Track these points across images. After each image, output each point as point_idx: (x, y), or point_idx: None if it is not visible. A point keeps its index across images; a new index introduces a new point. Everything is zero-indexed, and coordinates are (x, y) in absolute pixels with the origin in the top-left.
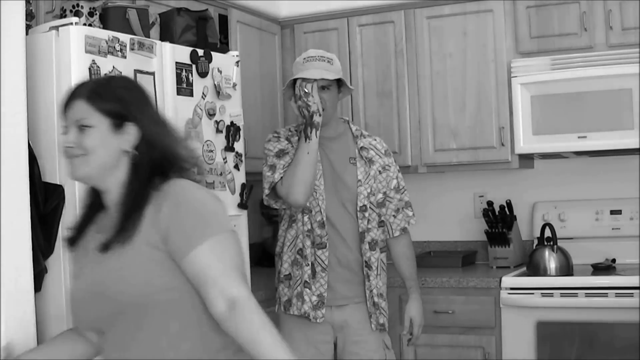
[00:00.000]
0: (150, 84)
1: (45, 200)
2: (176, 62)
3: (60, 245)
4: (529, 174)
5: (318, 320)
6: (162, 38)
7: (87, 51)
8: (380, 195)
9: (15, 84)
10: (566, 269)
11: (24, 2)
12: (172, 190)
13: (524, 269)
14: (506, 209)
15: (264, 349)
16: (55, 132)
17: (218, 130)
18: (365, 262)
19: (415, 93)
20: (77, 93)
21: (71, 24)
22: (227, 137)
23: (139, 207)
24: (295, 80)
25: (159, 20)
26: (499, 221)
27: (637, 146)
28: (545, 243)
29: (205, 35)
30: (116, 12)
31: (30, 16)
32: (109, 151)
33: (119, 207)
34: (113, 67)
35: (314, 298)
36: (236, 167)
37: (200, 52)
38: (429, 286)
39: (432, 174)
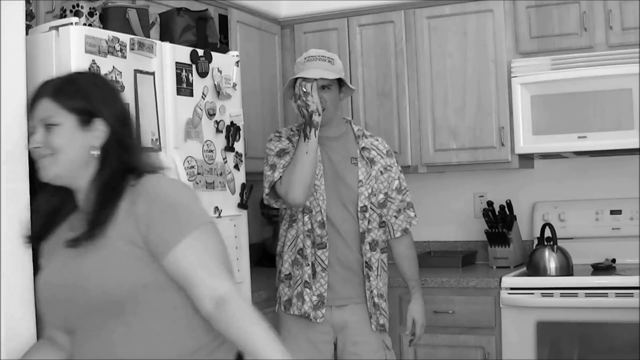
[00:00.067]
0: (150, 84)
1: None
2: (176, 62)
3: None
4: (529, 174)
5: (318, 320)
6: (162, 38)
7: (87, 51)
8: (381, 196)
9: (15, 84)
10: (566, 269)
11: (24, 2)
12: (145, 185)
13: (524, 269)
14: (506, 209)
15: (256, 345)
16: None
17: (218, 130)
18: (366, 262)
19: (415, 93)
20: (42, 91)
21: (71, 24)
22: (227, 137)
23: (111, 203)
24: (296, 79)
25: (159, 20)
26: (499, 221)
27: (637, 146)
28: (545, 243)
29: (205, 35)
30: (116, 12)
31: (30, 16)
32: (77, 149)
33: (91, 203)
34: (113, 67)
35: (314, 298)
36: (236, 167)
37: (200, 52)
38: (429, 286)
39: (432, 174)
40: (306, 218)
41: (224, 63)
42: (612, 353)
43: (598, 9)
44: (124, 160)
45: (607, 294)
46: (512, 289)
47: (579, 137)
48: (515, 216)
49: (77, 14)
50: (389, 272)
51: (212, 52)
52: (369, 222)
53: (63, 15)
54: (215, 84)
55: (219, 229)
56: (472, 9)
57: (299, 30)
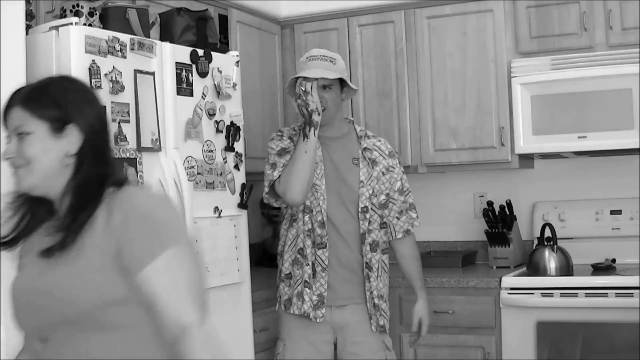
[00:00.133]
0: (150, 84)
1: None
2: (176, 62)
3: None
4: (529, 174)
5: (318, 320)
6: (162, 38)
7: (87, 51)
8: (382, 197)
9: (15, 84)
10: (566, 269)
11: (24, 2)
12: (124, 196)
13: (524, 269)
14: (506, 209)
15: None
16: None
17: (218, 130)
18: (366, 263)
19: (415, 93)
20: (13, 100)
21: (71, 24)
22: (227, 137)
23: (85, 210)
24: (297, 78)
25: (159, 20)
26: (499, 221)
27: (637, 146)
28: (545, 243)
29: (205, 35)
30: (116, 12)
31: (30, 16)
32: (51, 157)
33: (66, 212)
34: (113, 67)
35: (314, 298)
36: (236, 167)
37: (200, 52)
38: (429, 286)
39: (432, 174)
40: (306, 218)
41: (224, 63)
42: (612, 353)
43: (598, 9)
44: (100, 167)
45: (607, 294)
46: (512, 289)
47: (579, 137)
48: (515, 216)
49: (77, 14)
50: (390, 272)
51: (212, 52)
52: (369, 223)
53: (63, 15)
54: (215, 84)
55: (194, 247)
56: (472, 9)
57: (299, 30)
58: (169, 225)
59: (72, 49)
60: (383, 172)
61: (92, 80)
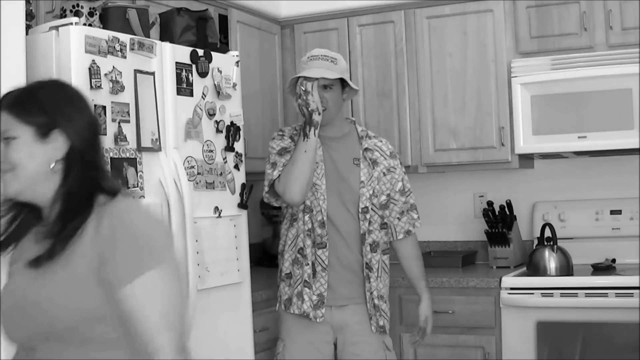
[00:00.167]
0: (150, 84)
1: None
2: (176, 62)
3: None
4: (529, 174)
5: (318, 320)
6: (162, 38)
7: (87, 51)
8: (383, 197)
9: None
10: (566, 269)
11: (24, 2)
12: (113, 209)
13: (524, 269)
14: (506, 209)
15: None
16: None
17: (218, 130)
18: (366, 263)
19: (415, 93)
20: (1, 104)
21: (71, 24)
22: (227, 137)
23: (75, 219)
24: (298, 78)
25: (159, 20)
26: (499, 221)
27: (637, 146)
28: (545, 243)
29: (205, 35)
30: (116, 12)
31: (30, 16)
32: (37, 162)
33: (54, 217)
34: (113, 67)
35: (314, 297)
36: (236, 167)
37: (200, 52)
38: (429, 286)
39: (432, 174)
40: (307, 217)
41: (224, 63)
42: (612, 353)
43: (598, 9)
44: (90, 175)
45: (607, 294)
46: (512, 289)
47: (579, 137)
48: (515, 216)
49: (77, 14)
50: (391, 272)
51: (212, 52)
52: (369, 223)
53: (63, 15)
54: (215, 84)
55: (179, 269)
56: (472, 9)
57: (299, 30)
58: (157, 245)
59: (72, 49)
60: (384, 173)
61: (92, 80)
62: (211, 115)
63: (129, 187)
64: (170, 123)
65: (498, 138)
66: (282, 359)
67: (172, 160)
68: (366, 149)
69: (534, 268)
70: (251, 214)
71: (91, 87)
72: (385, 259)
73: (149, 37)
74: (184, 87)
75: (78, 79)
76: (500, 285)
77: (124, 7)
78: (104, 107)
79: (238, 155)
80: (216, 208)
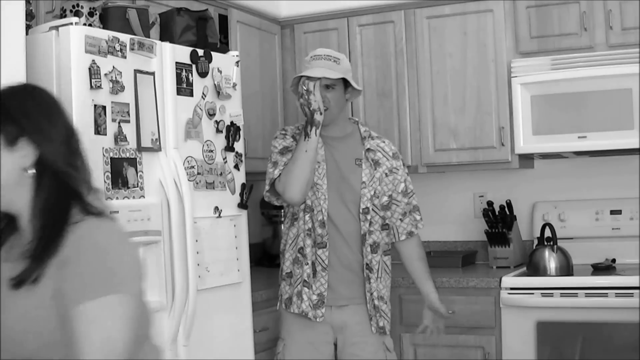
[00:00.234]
0: (150, 84)
1: None
2: (176, 62)
3: None
4: (529, 174)
5: (318, 320)
6: (162, 38)
7: (87, 51)
8: (385, 198)
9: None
10: (566, 269)
11: (24, 2)
12: (82, 228)
13: (524, 269)
14: (506, 209)
15: None
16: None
17: (218, 130)
18: (366, 264)
19: (415, 93)
20: None
21: (71, 24)
22: (227, 137)
23: (53, 239)
24: (300, 77)
25: (159, 20)
26: (499, 221)
27: (637, 146)
28: (545, 243)
29: (205, 35)
30: (116, 12)
31: (30, 16)
32: (5, 170)
33: (32, 233)
34: (113, 67)
35: (314, 297)
36: (236, 167)
37: (200, 52)
38: None
39: (432, 174)
40: (307, 217)
41: (224, 63)
42: (612, 353)
43: (598, 9)
44: (65, 187)
45: (607, 294)
46: (512, 289)
47: (579, 137)
48: (515, 216)
49: (77, 14)
50: (392, 273)
51: (212, 52)
52: (370, 224)
53: (63, 15)
54: (215, 84)
55: (143, 303)
56: (472, 9)
57: (299, 30)
58: (120, 272)
59: (72, 49)
60: (386, 174)
61: (92, 80)
62: (211, 115)
63: (128, 187)
64: (170, 123)
65: (498, 138)
66: (282, 358)
67: (172, 160)
68: (368, 150)
69: (534, 268)
70: (251, 214)
71: (91, 87)
72: (387, 260)
73: (149, 37)
74: (184, 87)
75: (78, 79)
76: (500, 285)
77: (124, 7)
78: (104, 107)
79: (238, 155)
80: (216, 208)
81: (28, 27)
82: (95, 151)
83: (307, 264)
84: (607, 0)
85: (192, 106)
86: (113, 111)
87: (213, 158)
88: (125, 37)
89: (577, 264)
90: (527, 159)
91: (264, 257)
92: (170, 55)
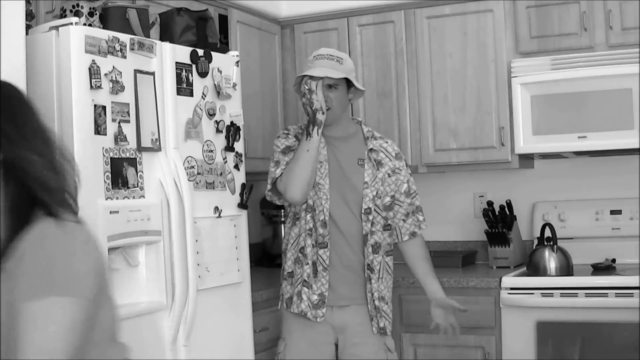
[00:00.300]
0: (150, 84)
1: None
2: (176, 62)
3: None
4: (529, 174)
5: (318, 320)
6: (162, 38)
7: (87, 51)
8: (387, 199)
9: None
10: (566, 269)
11: (24, 2)
12: (36, 228)
13: (524, 269)
14: (506, 209)
15: None
16: (55, 132)
17: (218, 130)
18: (368, 264)
19: (415, 93)
20: None
21: (71, 24)
22: (227, 137)
23: (17, 235)
24: (303, 77)
25: (159, 20)
26: (499, 221)
27: (637, 146)
28: (545, 243)
29: (205, 35)
30: (116, 12)
31: (30, 16)
32: None
33: (5, 239)
34: (113, 67)
35: (315, 297)
36: (236, 167)
37: (200, 52)
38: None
39: (432, 174)
40: (308, 217)
41: (224, 63)
42: (612, 353)
43: (598, 9)
44: (29, 185)
45: (607, 294)
46: (512, 289)
47: (579, 137)
48: (515, 216)
49: (77, 14)
50: (393, 273)
51: (212, 52)
52: (372, 225)
53: (63, 15)
54: (215, 84)
55: (111, 307)
56: (472, 9)
57: (299, 30)
58: (69, 276)
59: (72, 49)
60: (389, 174)
61: (92, 80)
62: (211, 115)
63: (128, 187)
64: (170, 123)
65: (498, 138)
66: (283, 358)
67: (172, 160)
68: (371, 150)
69: (534, 268)
70: (251, 214)
71: (91, 87)
72: (389, 260)
73: (149, 37)
74: (184, 87)
75: (78, 79)
76: (500, 285)
77: (124, 7)
78: (104, 107)
79: (238, 155)
80: (216, 208)
81: (28, 27)
82: (95, 151)
83: (308, 263)
84: (607, 0)
85: (192, 106)
86: (113, 111)
87: (213, 158)
88: (125, 37)
89: (577, 264)
90: (527, 159)
91: (264, 257)
92: (170, 55)
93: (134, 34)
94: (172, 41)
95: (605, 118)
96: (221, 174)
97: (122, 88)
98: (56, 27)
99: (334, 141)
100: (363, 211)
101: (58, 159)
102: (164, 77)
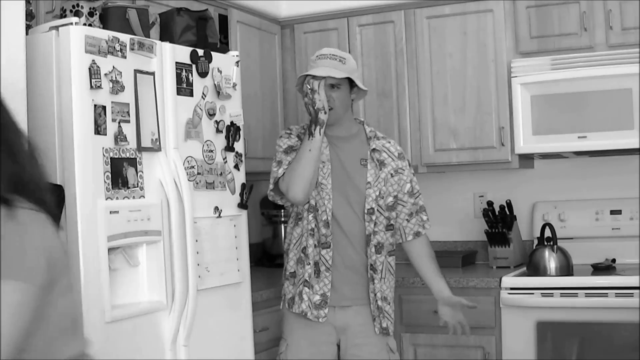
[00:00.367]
0: (150, 84)
1: None
2: (176, 62)
3: None
4: (529, 174)
5: (320, 320)
6: (162, 38)
7: (87, 51)
8: (390, 199)
9: (15, 84)
10: (566, 269)
11: (24, 2)
12: None
13: (524, 269)
14: (506, 209)
15: None
16: (55, 132)
17: (218, 130)
18: (371, 264)
19: (415, 93)
20: None
21: (71, 24)
22: (227, 137)
23: None
24: (306, 76)
25: (159, 20)
26: (499, 221)
27: (637, 146)
28: (545, 243)
29: (205, 35)
30: (116, 12)
31: (30, 16)
32: None
33: None
34: (113, 67)
35: (317, 297)
36: (236, 167)
37: (200, 52)
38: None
39: (432, 174)
40: (311, 217)
41: (224, 63)
42: (612, 353)
43: (598, 9)
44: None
45: (607, 294)
46: (512, 289)
47: (579, 137)
48: (515, 216)
49: (77, 14)
50: (396, 273)
51: (212, 52)
52: (375, 225)
53: (63, 15)
54: (215, 84)
55: (70, 299)
56: (472, 9)
57: (299, 30)
58: (18, 258)
59: (72, 49)
60: (391, 174)
61: (92, 80)
62: (211, 115)
63: (128, 187)
64: (170, 123)
65: (498, 138)
66: (284, 358)
67: (172, 160)
68: (374, 150)
69: (534, 268)
70: (251, 214)
71: (91, 87)
72: (391, 261)
73: (149, 37)
74: (184, 87)
75: (78, 79)
76: (500, 285)
77: (124, 7)
78: (104, 107)
79: (238, 155)
80: (216, 208)
81: (28, 27)
82: (95, 151)
83: (309, 264)
84: (607, 0)
85: (192, 106)
86: (113, 111)
87: (213, 158)
88: (125, 37)
89: (577, 264)
90: (527, 159)
91: (264, 257)
92: (170, 55)
93: (134, 34)
94: (172, 41)
95: (605, 118)
96: (221, 174)
97: (122, 88)
98: (56, 27)
99: (336, 141)
100: (366, 211)
101: (17, 147)
102: (164, 77)
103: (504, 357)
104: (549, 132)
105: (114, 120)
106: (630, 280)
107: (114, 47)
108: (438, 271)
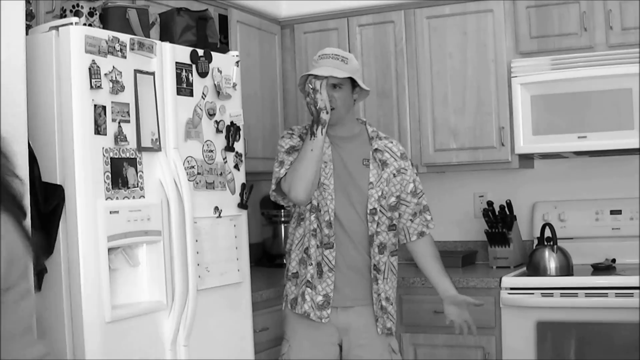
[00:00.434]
0: (150, 84)
1: (45, 200)
2: (176, 62)
3: (60, 245)
4: (529, 174)
5: (323, 321)
6: (162, 38)
7: (87, 51)
8: (393, 199)
9: (15, 84)
10: (566, 269)
11: (24, 2)
12: None
13: (524, 269)
14: (506, 209)
15: None
16: (55, 132)
17: (218, 130)
18: (374, 265)
19: (415, 93)
20: None
21: (71, 24)
22: (227, 137)
23: None
24: (308, 76)
25: (159, 20)
26: (499, 221)
27: (637, 146)
28: (545, 243)
29: (205, 35)
30: (116, 12)
31: (30, 16)
32: None
33: None
34: (113, 67)
35: (319, 298)
36: (236, 167)
37: (200, 52)
38: (429, 286)
39: (432, 174)
40: (313, 217)
41: (224, 63)
42: (612, 353)
43: (598, 9)
44: None
45: (607, 294)
46: (512, 289)
47: (579, 137)
48: (515, 216)
49: (77, 14)
50: (404, 272)
51: (212, 52)
52: (377, 225)
53: (63, 15)
54: (215, 84)
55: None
56: (472, 9)
57: (299, 30)
58: None
59: (72, 49)
60: (394, 174)
61: (92, 80)
62: (211, 115)
63: (128, 187)
64: (170, 123)
65: (498, 138)
66: (287, 359)
67: (172, 160)
68: (376, 150)
69: (534, 268)
70: (251, 214)
71: (91, 87)
72: (394, 261)
73: (149, 37)
74: (184, 87)
75: (78, 79)
76: (500, 285)
77: (124, 7)
78: (104, 107)
79: (238, 155)
80: (216, 208)
81: (28, 27)
82: (95, 151)
83: (312, 264)
84: (607, 0)
85: (192, 106)
86: (113, 111)
87: (213, 158)
88: (125, 37)
89: (577, 264)
90: (527, 159)
91: (264, 257)
92: (170, 55)
93: (134, 34)
94: (172, 41)
95: (605, 118)
96: (221, 174)
97: (122, 88)
98: (56, 27)
99: (338, 141)
100: (368, 212)
101: None
102: (164, 77)
103: (504, 357)
104: (549, 132)
105: (114, 120)
106: (630, 280)
107: (114, 47)
108: (443, 270)
